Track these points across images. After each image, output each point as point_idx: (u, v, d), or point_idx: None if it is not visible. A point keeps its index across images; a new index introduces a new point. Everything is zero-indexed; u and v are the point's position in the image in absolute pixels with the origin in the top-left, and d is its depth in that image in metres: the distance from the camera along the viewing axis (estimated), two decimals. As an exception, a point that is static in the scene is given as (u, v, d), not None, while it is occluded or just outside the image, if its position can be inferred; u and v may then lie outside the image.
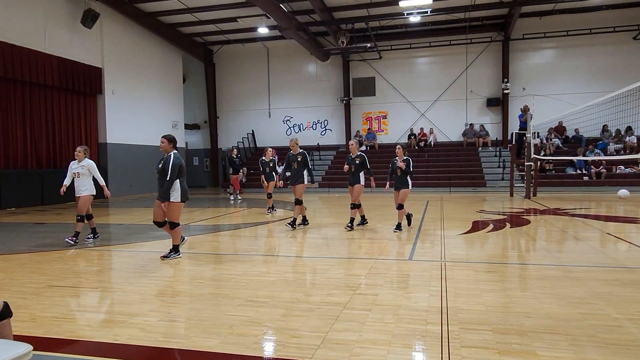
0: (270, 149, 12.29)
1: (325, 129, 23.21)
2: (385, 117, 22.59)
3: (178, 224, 6.14)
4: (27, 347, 2.14)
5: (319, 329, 3.43)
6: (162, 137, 6.07)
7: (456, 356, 2.91)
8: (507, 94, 20.46)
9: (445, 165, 19.92)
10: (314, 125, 23.29)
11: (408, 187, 8.56)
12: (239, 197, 15.83)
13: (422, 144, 21.37)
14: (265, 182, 11.92)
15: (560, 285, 4.58)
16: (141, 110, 18.77)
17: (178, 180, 5.97)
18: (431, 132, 21.58)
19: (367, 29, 19.33)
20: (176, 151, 6.07)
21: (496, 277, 4.98)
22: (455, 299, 4.13)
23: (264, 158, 12.00)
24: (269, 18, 17.46)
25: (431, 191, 18.00)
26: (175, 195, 5.96)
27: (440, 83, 21.54)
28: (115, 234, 8.97)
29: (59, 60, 14.83)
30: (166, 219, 6.12)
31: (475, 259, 5.96)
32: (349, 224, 8.67)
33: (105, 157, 16.94)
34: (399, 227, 8.38)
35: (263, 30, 19.85)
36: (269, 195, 11.80)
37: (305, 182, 8.99)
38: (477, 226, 8.86)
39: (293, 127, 23.41)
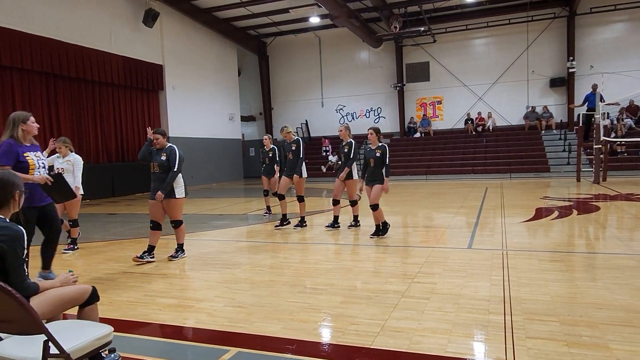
0: (267, 137, 9.86)
1: (379, 117, 22.96)
2: (440, 102, 21.99)
3: (182, 222, 5.79)
4: (108, 328, 2.34)
5: (377, 316, 3.46)
6: (155, 132, 5.60)
7: (521, 347, 2.84)
8: (573, 73, 19.25)
9: (504, 151, 19.14)
10: (367, 113, 23.10)
11: (383, 182, 6.64)
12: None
13: (479, 128, 20.64)
14: (264, 176, 9.83)
15: (634, 275, 4.32)
16: (199, 104, 19.45)
17: (180, 174, 5.65)
18: (489, 116, 20.77)
19: (421, 12, 18.81)
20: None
21: (562, 266, 4.77)
22: (519, 288, 4.00)
23: (264, 148, 9.76)
24: (320, 7, 17.42)
25: (490, 178, 17.39)
26: (180, 190, 5.65)
27: (499, 64, 20.63)
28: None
29: (123, 59, 15.65)
30: (165, 219, 5.74)
31: (539, 247, 5.73)
32: (352, 222, 7.66)
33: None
34: (377, 230, 6.76)
35: (314, 20, 19.85)
36: (266, 193, 9.88)
37: (304, 175, 7.86)
38: (540, 213, 8.49)
39: (346, 115, 23.34)
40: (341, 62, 22.96)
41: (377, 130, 6.77)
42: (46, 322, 2.29)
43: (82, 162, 6.68)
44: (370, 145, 6.79)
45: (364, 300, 3.87)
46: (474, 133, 20.72)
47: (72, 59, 13.83)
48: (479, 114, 20.88)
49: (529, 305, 3.58)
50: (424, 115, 22.20)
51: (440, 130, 21.81)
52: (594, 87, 15.80)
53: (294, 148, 7.90)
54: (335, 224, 7.60)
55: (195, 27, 19.11)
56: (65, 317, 2.67)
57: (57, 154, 6.67)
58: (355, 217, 7.71)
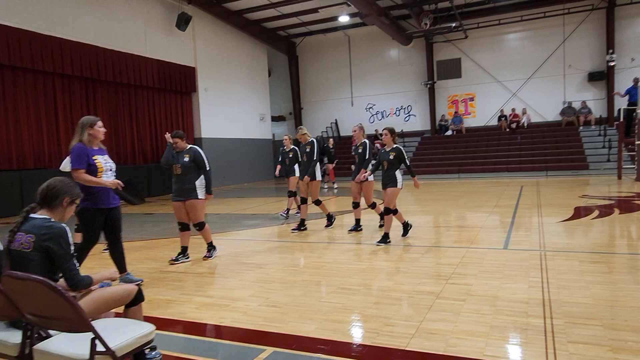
0: (287, 136, 9.79)
1: (409, 115, 22.72)
2: (472, 99, 21.58)
3: (205, 222, 5.75)
4: (151, 327, 2.41)
5: (412, 317, 3.44)
6: (174, 136, 5.57)
7: (563, 352, 2.76)
8: (613, 66, 18.51)
9: (540, 148, 18.60)
10: (397, 112, 22.90)
11: (396, 185, 6.34)
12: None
13: (513, 125, 20.13)
14: (285, 176, 9.69)
15: (683, 278, 4.12)
16: (231, 105, 19.74)
17: (202, 175, 5.63)
18: (524, 113, 20.24)
19: (452, 8, 18.49)
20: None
21: (604, 267, 4.61)
22: (559, 290, 3.89)
23: (283, 148, 9.66)
24: (350, 6, 17.39)
25: (525, 176, 16.95)
26: (201, 191, 5.61)
27: (534, 59, 20.06)
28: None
29: (158, 62, 16.05)
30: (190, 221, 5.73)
31: (579, 248, 5.55)
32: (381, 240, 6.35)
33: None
34: (384, 238, 6.25)
35: (344, 19, 19.82)
36: (291, 194, 9.48)
37: (318, 177, 7.73)
38: (579, 212, 8.21)
39: (376, 114, 23.22)
40: (371, 61, 22.84)
41: (391, 131, 6.44)
42: (92, 320, 2.39)
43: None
44: (385, 147, 6.46)
45: (397, 301, 3.85)
46: (507, 130, 20.23)
47: (110, 63, 14.28)
48: (513, 110, 20.37)
49: (570, 308, 3.48)
50: (455, 112, 21.83)
51: (472, 128, 21.40)
52: (636, 80, 15.16)
53: (308, 150, 7.78)
54: (357, 227, 7.42)
55: (227, 29, 19.40)
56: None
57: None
58: (382, 217, 7.35)
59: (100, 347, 2.07)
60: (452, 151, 20.21)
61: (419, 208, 10.34)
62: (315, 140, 7.84)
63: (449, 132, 21.63)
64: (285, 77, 24.37)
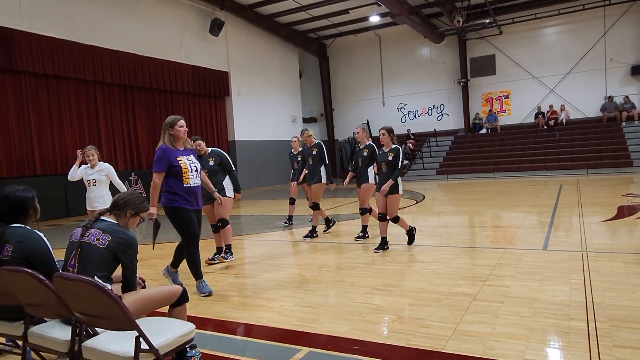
0: (296, 138, 9.11)
1: (442, 114, 22.37)
2: (507, 96, 21.04)
3: (228, 222, 5.80)
4: (191, 326, 2.49)
5: (448, 319, 3.40)
6: (196, 140, 5.70)
7: (608, 357, 2.67)
8: (659, 58, 17.68)
9: (580, 145, 17.94)
10: (430, 111, 22.59)
11: (398, 191, 5.92)
12: None
13: (551, 122, 19.51)
14: (292, 182, 8.94)
15: None
16: (263, 108, 19.98)
17: (229, 175, 5.78)
18: (562, 109, 19.57)
19: (485, 3, 18.11)
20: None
21: (652, 270, 4.42)
22: (603, 293, 3.76)
23: (292, 151, 9.13)
24: (380, 6, 17.29)
25: (564, 174, 16.39)
26: (230, 190, 5.77)
27: (572, 54, 19.38)
28: (246, 225, 9.76)
29: (192, 68, 16.44)
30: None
31: (623, 248, 5.34)
32: (360, 233, 6.87)
33: (235, 153, 18.42)
34: (410, 237, 6.14)
35: (374, 19, 19.73)
36: (292, 201, 8.88)
37: (323, 180, 7.25)
38: (623, 212, 7.89)
39: (408, 114, 22.98)
40: (402, 60, 22.63)
41: (389, 130, 6.00)
42: (137, 319, 2.51)
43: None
44: (383, 148, 6.04)
45: (433, 302, 3.81)
46: (545, 127, 19.63)
47: (147, 70, 14.73)
48: (551, 107, 19.74)
49: (615, 311, 3.35)
50: (490, 110, 21.35)
51: (508, 126, 20.86)
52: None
53: (314, 152, 7.31)
54: (364, 234, 6.88)
55: (258, 33, 19.66)
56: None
57: (84, 165, 6.29)
58: (364, 228, 6.91)
59: (144, 345, 2.15)
60: (487, 150, 19.77)
61: (453, 208, 10.18)
62: (322, 143, 7.43)
63: (484, 131, 21.18)
64: (317, 78, 24.47)
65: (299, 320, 3.63)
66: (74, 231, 2.68)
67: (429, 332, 3.18)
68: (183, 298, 2.75)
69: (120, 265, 2.63)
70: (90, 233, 2.60)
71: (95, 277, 2.39)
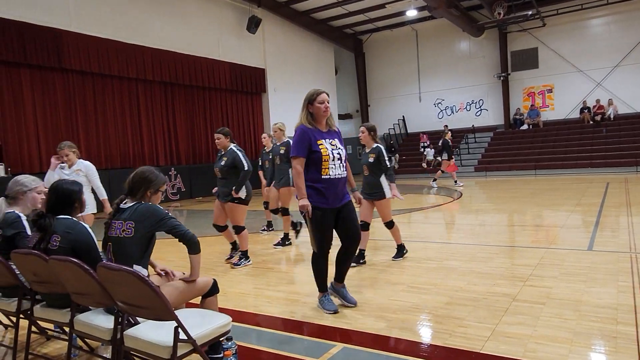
0: (266, 135, 7.46)
1: (481, 109, 21.81)
2: (550, 90, 20.28)
3: (244, 228, 5.41)
4: (228, 318, 2.52)
5: (486, 320, 3.31)
6: (217, 132, 5.32)
7: (658, 363, 2.54)
8: None
9: (630, 141, 17.07)
10: (468, 106, 22.07)
11: (385, 195, 5.13)
12: (460, 184, 14.17)
13: (598, 117, 18.67)
14: (264, 181, 7.69)
15: None
16: (299, 104, 19.79)
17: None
18: (610, 104, 18.69)
19: (528, -5, 17.51)
20: (235, 144, 5.43)
21: None
22: (653, 297, 3.57)
23: (265, 148, 7.45)
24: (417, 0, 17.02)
25: (612, 172, 15.66)
26: (242, 194, 5.24)
27: (621, 45, 18.45)
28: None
29: (230, 65, 16.70)
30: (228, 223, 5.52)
31: (676, 251, 5.05)
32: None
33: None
34: (400, 252, 5.41)
35: (411, 13, 19.44)
36: (266, 205, 7.57)
37: (292, 184, 6.09)
38: (677, 212, 7.46)
39: (445, 109, 22.54)
40: (439, 55, 22.19)
41: (370, 128, 5.20)
42: (175, 310, 2.58)
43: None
44: (365, 149, 5.30)
45: (471, 302, 3.73)
46: (591, 122, 18.81)
47: (186, 68, 15.08)
48: (597, 101, 18.89)
49: (667, 316, 3.18)
50: (531, 105, 20.65)
51: (550, 121, 20.12)
52: None
53: (282, 151, 6.37)
54: (400, 253, 5.45)
55: (295, 30, 19.75)
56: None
57: (60, 164, 5.35)
58: (400, 247, 5.50)
59: (182, 336, 2.20)
60: (528, 146, 19.15)
61: (492, 206, 9.92)
62: (234, 148, 5.73)
63: (525, 127, 20.51)
64: (352, 74, 24.36)
65: (333, 316, 3.63)
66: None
67: (466, 332, 3.11)
68: (214, 289, 2.82)
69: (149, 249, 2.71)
70: (114, 226, 2.66)
71: (134, 267, 2.46)
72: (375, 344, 3.04)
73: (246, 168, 5.20)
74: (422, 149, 21.26)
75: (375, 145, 5.20)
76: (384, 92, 23.86)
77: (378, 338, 3.15)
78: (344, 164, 3.60)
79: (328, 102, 3.56)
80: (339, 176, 3.54)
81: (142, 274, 2.22)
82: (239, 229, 5.38)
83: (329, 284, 3.83)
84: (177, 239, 2.67)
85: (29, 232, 3.05)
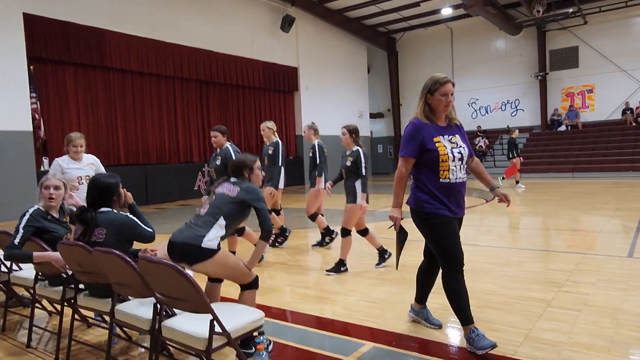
0: (268, 127, 6.45)
1: (517, 109, 21.28)
2: (591, 91, 19.58)
3: (244, 228, 5.19)
4: (261, 314, 2.59)
5: (519, 324, 3.26)
6: (213, 129, 5.17)
7: (701, 376, 2.45)
8: None
9: (676, 145, 16.33)
10: (503, 106, 21.58)
11: (355, 200, 4.84)
12: (522, 185, 14.10)
13: (642, 119, 17.92)
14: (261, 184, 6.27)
15: None
16: (330, 103, 20.11)
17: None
18: (656, 105, 17.90)
19: (569, -9, 16.96)
20: (231, 142, 5.27)
21: None
22: (697, 308, 3.43)
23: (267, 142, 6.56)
24: (453, -3, 16.74)
25: (656, 176, 15.01)
26: None
27: (670, 44, 17.64)
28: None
29: (263, 64, 16.90)
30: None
31: None
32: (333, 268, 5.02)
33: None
34: (337, 266, 4.99)
35: (446, 11, 19.14)
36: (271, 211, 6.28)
37: (281, 185, 6.03)
38: None
39: (479, 109, 22.12)
40: (474, 53, 21.77)
41: (351, 130, 4.92)
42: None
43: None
44: (345, 151, 5.04)
45: (503, 306, 3.67)
46: (634, 124, 18.06)
47: (221, 66, 15.35)
48: (642, 102, 18.13)
49: None
50: (570, 106, 20.00)
51: (590, 123, 19.45)
52: None
53: (270, 152, 6.15)
54: (340, 267, 5.03)
55: (328, 28, 19.79)
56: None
57: (60, 159, 4.61)
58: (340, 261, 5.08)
59: (217, 328, 2.27)
60: (566, 148, 18.56)
61: (527, 209, 9.69)
62: (280, 142, 6.10)
63: (563, 128, 19.90)
64: (384, 73, 24.21)
65: (363, 315, 3.65)
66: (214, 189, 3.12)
67: (497, 336, 3.07)
68: (255, 282, 2.94)
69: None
70: (221, 187, 3.03)
71: (221, 218, 2.87)
72: (404, 345, 3.05)
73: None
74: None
75: (355, 148, 4.91)
76: (417, 91, 23.26)
77: (407, 338, 3.15)
78: (465, 166, 2.98)
79: (452, 94, 2.93)
80: (461, 180, 2.92)
81: (180, 267, 2.29)
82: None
83: (409, 312, 3.40)
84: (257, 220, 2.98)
85: (21, 227, 3.23)
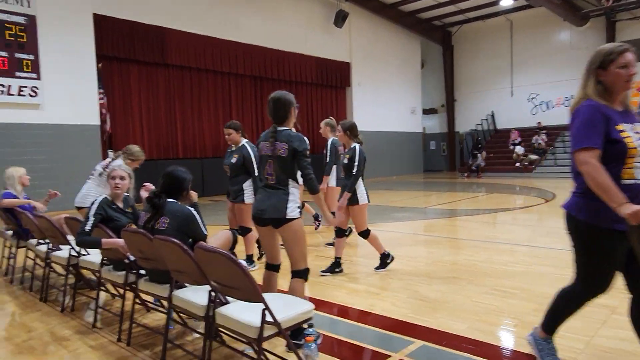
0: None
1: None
2: (667, 85, 18.14)
3: (250, 229, 4.99)
4: (311, 305, 2.62)
5: (580, 331, 3.10)
6: (227, 126, 5.02)
7: None
8: None
9: None
10: (567, 102, 20.40)
11: (358, 201, 4.72)
12: None
13: None
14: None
15: None
16: (382, 99, 19.93)
17: (251, 178, 4.90)
18: None
19: (643, -22, 15.78)
20: (246, 139, 5.08)
21: None
22: None
23: (231, 147, 5.35)
24: (514, -12, 16.04)
25: None
26: (248, 194, 4.90)
27: None
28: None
29: (316, 59, 17.00)
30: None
31: None
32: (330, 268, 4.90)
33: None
34: (383, 262, 4.93)
35: (506, 3, 18.39)
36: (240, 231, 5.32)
37: (247, 200, 4.91)
38: None
39: (540, 105, 21.09)
40: (536, 46, 20.76)
41: (347, 128, 4.78)
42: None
43: None
44: (345, 148, 4.93)
45: (562, 311, 3.50)
46: None
47: (275, 62, 15.60)
48: None
49: None
50: (643, 101, 18.63)
51: (665, 119, 18.03)
52: None
53: (234, 160, 4.99)
54: (334, 269, 4.89)
55: (381, 23, 19.58)
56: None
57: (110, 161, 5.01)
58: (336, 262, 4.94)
59: (268, 318, 2.33)
60: (636, 147, 17.32)
61: (591, 211, 9.16)
62: (247, 146, 4.99)
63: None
64: (439, 68, 23.63)
65: (412, 312, 3.61)
66: (261, 145, 3.24)
67: (556, 342, 2.94)
68: (305, 272, 3.10)
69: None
70: (276, 146, 3.10)
71: (290, 181, 3.07)
72: (455, 345, 2.98)
73: (257, 174, 4.73)
74: (511, 146, 20.11)
75: (353, 145, 4.77)
76: (473, 87, 22.87)
77: (458, 339, 3.08)
78: None
79: (634, 67, 2.26)
80: None
81: (234, 257, 2.37)
82: (245, 230, 4.98)
83: (528, 334, 2.79)
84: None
85: (91, 215, 3.46)
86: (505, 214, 8.96)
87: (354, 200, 4.73)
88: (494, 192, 12.86)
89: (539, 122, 20.45)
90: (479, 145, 19.93)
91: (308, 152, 3.11)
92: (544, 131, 19.93)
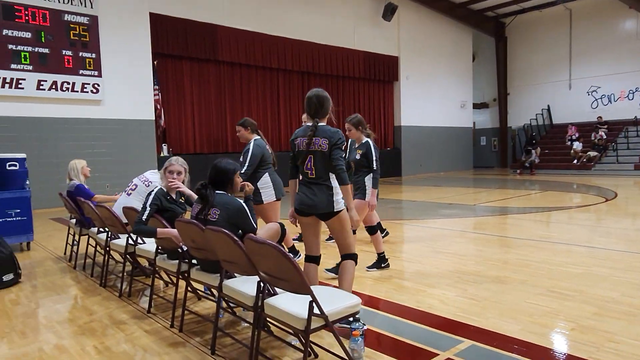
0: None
1: (647, 98, 18.82)
2: None
3: (282, 225, 4.53)
4: (358, 300, 2.61)
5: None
6: (238, 124, 4.92)
7: None
8: None
9: None
10: (631, 95, 19.19)
11: (364, 197, 4.61)
12: None
13: None
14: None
15: None
16: (431, 93, 19.51)
17: (267, 172, 4.83)
18: None
19: None
20: (258, 137, 4.92)
21: None
22: None
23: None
24: (574, -25, 15.20)
25: None
26: (268, 192, 4.77)
27: None
28: (407, 210, 9.75)
29: (364, 54, 16.88)
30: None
31: None
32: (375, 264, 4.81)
33: (400, 139, 18.47)
34: (378, 262, 4.79)
35: (565, -9, 17.48)
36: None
37: (269, 197, 4.82)
38: None
39: (601, 98, 19.93)
40: (597, 36, 19.60)
41: (355, 123, 4.66)
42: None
43: None
44: (355, 143, 4.81)
45: (624, 315, 3.31)
46: None
47: (322, 57, 15.64)
48: None
49: None
50: None
51: None
52: None
53: (241, 159, 4.78)
54: (380, 263, 4.82)
55: (431, 15, 19.15)
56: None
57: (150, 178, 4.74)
58: (380, 257, 4.84)
59: (316, 310, 2.34)
60: None
61: (657, 211, 8.58)
62: (252, 142, 4.88)
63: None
64: (491, 61, 22.81)
65: (461, 311, 3.52)
66: (297, 141, 3.24)
67: (617, 348, 2.78)
68: (356, 256, 3.29)
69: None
70: (314, 142, 3.12)
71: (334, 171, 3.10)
72: (506, 346, 2.88)
73: (243, 169, 4.57)
74: (569, 142, 19.13)
75: (365, 140, 4.68)
76: (527, 80, 21.92)
77: (511, 340, 2.98)
78: None
79: None
80: None
81: (284, 249, 2.40)
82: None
83: None
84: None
85: (148, 205, 3.62)
86: (561, 213, 8.55)
87: (360, 196, 4.63)
88: (549, 190, 12.31)
89: (600, 117, 19.34)
90: (533, 141, 19.11)
91: (343, 147, 3.19)
92: (605, 126, 18.82)
